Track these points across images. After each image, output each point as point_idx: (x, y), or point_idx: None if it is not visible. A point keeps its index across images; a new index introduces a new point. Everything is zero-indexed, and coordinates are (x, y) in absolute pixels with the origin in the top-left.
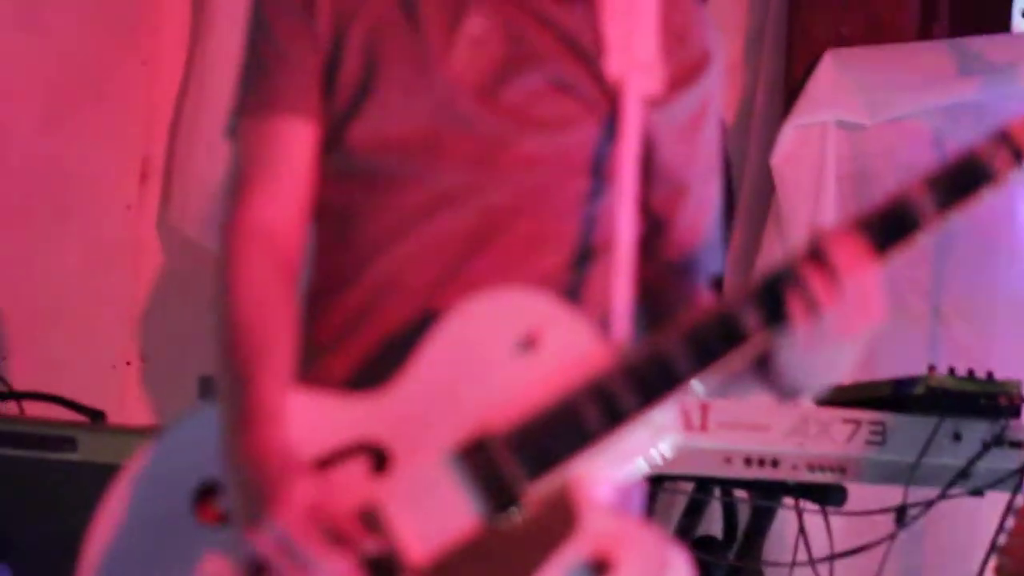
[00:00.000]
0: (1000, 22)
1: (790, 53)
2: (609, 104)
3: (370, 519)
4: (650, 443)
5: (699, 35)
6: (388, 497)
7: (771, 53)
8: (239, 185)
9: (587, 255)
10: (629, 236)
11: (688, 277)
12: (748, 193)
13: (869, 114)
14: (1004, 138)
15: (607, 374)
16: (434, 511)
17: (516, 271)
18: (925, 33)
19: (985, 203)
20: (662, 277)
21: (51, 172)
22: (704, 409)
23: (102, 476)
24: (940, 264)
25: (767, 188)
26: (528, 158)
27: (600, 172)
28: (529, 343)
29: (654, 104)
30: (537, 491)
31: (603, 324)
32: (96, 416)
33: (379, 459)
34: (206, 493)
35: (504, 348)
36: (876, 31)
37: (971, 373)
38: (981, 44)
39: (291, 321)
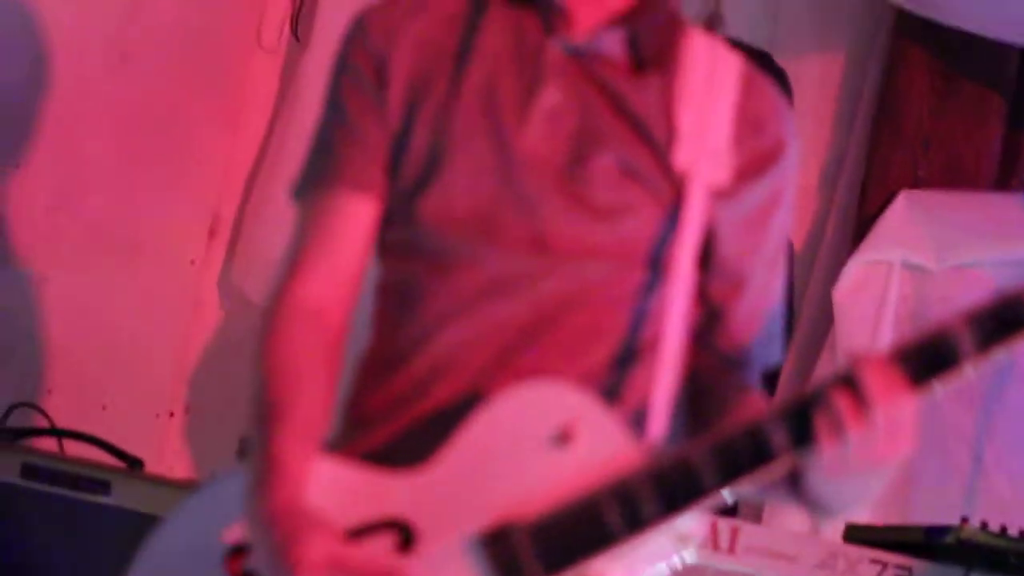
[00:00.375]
0: None
1: (865, 187)
2: (674, 193)
3: None
4: (671, 550)
5: (776, 124)
6: (409, 575)
7: (847, 184)
8: (294, 258)
9: (634, 351)
10: (678, 334)
11: (740, 370)
12: (807, 321)
13: (936, 258)
14: None
15: (633, 477)
16: None
17: (563, 365)
18: (1003, 183)
19: None
20: (714, 367)
21: (123, 214)
22: (734, 532)
23: (133, 523)
24: (987, 414)
25: (826, 319)
26: (586, 246)
27: (657, 264)
28: (563, 438)
29: (720, 195)
30: None
31: (640, 422)
32: (134, 463)
33: (406, 536)
34: (237, 552)
35: (539, 441)
36: (954, 174)
37: (1004, 529)
38: None
39: (324, 390)
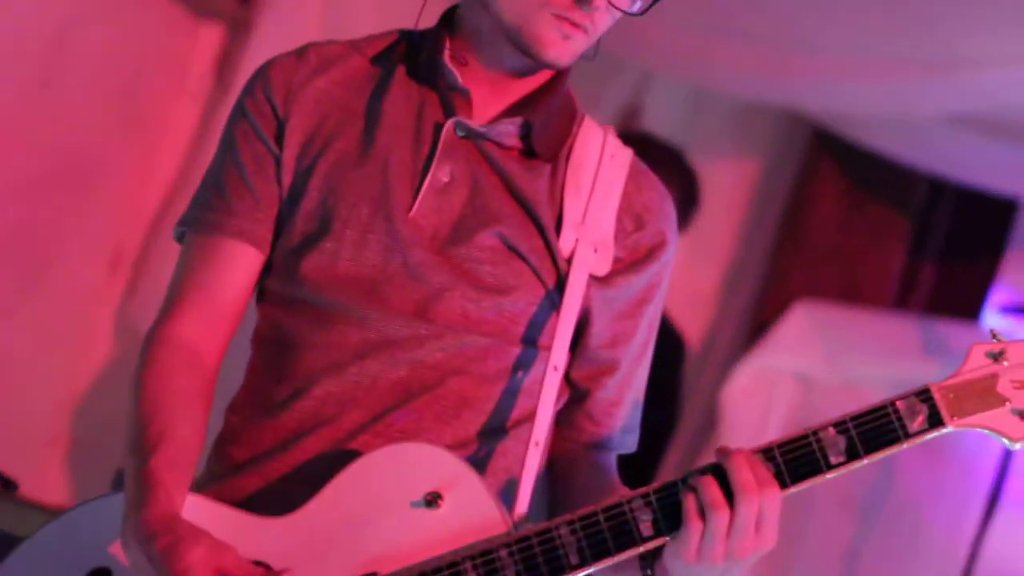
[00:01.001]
0: (972, 309)
1: (764, 293)
2: (556, 276)
3: None
4: None
5: (659, 221)
6: None
7: (746, 289)
8: (173, 296)
9: (505, 423)
10: (549, 412)
11: (600, 454)
12: (692, 421)
13: (827, 371)
14: (926, 398)
15: (496, 545)
16: None
17: (436, 430)
18: (902, 301)
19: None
20: (574, 451)
21: (27, 237)
22: None
23: (3, 544)
24: (866, 522)
25: (711, 421)
26: (469, 319)
27: (535, 343)
28: (431, 500)
29: (599, 282)
30: None
31: (508, 493)
32: (8, 484)
33: None
34: None
35: (408, 500)
36: (853, 290)
37: None
38: (947, 329)
39: (194, 415)
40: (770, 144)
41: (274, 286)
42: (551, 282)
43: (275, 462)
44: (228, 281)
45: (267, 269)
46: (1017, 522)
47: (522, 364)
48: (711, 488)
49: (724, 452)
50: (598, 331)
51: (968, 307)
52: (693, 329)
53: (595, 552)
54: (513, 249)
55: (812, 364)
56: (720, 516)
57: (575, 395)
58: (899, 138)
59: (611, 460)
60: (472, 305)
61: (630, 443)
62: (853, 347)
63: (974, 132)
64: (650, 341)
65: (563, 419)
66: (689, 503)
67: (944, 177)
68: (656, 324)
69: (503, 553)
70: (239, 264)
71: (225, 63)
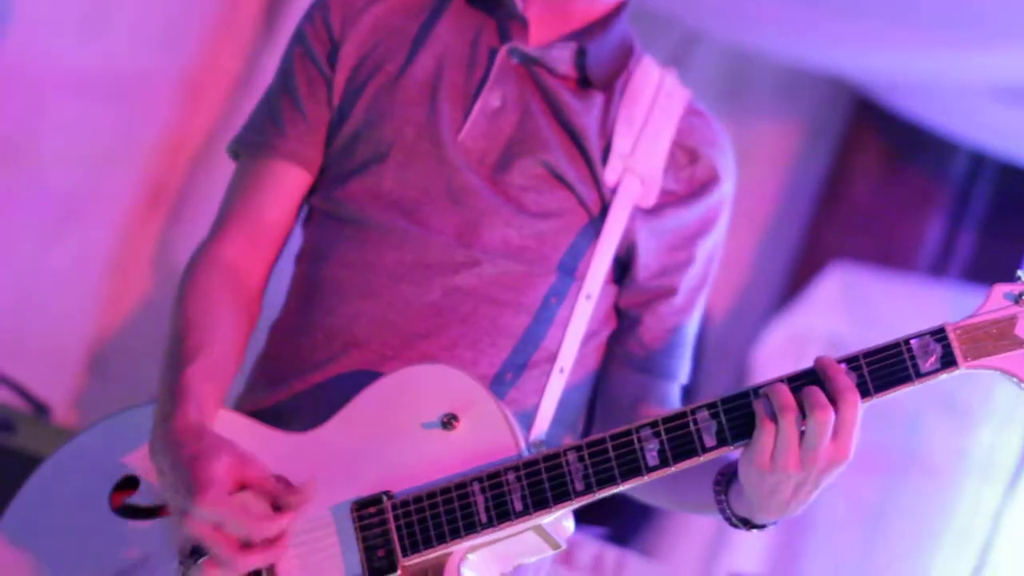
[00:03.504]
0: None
1: (799, 257)
2: (600, 206)
3: None
4: (533, 551)
5: (712, 157)
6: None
7: (782, 252)
8: (222, 217)
9: (536, 353)
10: (578, 339)
11: (652, 378)
12: (721, 380)
13: (859, 335)
14: (941, 338)
15: (504, 468)
16: (318, 557)
17: (466, 358)
18: (938, 270)
19: None
20: (624, 375)
21: (72, 169)
22: (620, 561)
23: (31, 466)
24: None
25: (741, 381)
26: (508, 244)
27: (572, 271)
28: (447, 421)
29: (647, 214)
30: (414, 562)
31: (527, 420)
32: (41, 409)
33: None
34: (126, 485)
35: (425, 421)
36: (889, 257)
37: None
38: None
39: (235, 332)
40: (812, 109)
41: (318, 206)
42: (595, 211)
43: (307, 381)
44: (274, 202)
45: (313, 190)
46: None
47: (557, 292)
48: (783, 393)
49: (818, 360)
50: (645, 263)
51: (1005, 278)
52: (726, 289)
53: (600, 480)
54: (558, 177)
55: (844, 327)
56: (791, 419)
57: (625, 323)
58: (941, 108)
59: (666, 389)
60: (513, 231)
61: (685, 372)
62: (886, 311)
63: (1017, 104)
64: (708, 275)
65: (613, 349)
66: (761, 407)
67: (985, 148)
68: (716, 261)
69: (510, 476)
70: (286, 186)
71: (273, 1)
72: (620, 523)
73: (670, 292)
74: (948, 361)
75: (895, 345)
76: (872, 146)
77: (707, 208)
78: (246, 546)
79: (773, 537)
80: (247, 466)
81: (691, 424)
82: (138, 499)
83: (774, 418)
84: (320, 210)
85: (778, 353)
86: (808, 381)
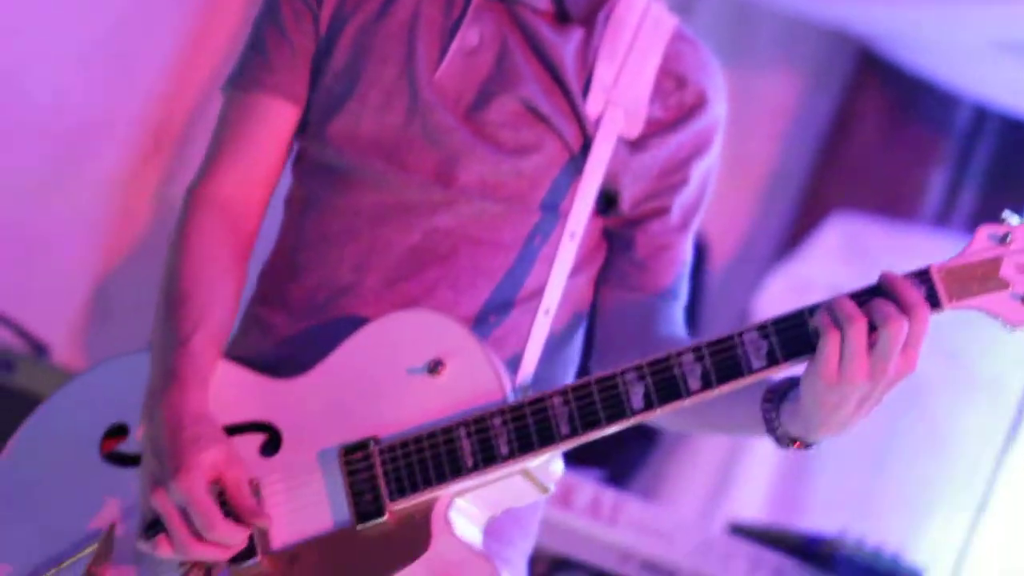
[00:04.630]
0: None
1: (801, 207)
2: (582, 141)
3: (256, 493)
4: (522, 496)
5: (700, 80)
6: (267, 478)
7: (783, 202)
8: (212, 154)
9: (520, 294)
10: (562, 279)
11: (652, 299)
12: (721, 328)
13: (860, 284)
14: (925, 279)
15: (489, 412)
16: (304, 502)
17: (448, 298)
18: (939, 222)
19: None
20: (622, 299)
21: (69, 104)
22: (618, 504)
23: (34, 407)
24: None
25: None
26: (485, 183)
27: (555, 208)
28: (433, 367)
29: (632, 146)
30: (401, 506)
31: (513, 364)
32: (40, 348)
33: (273, 440)
34: (116, 432)
35: (411, 366)
36: (891, 209)
37: (878, 548)
38: None
39: (234, 291)
40: (815, 61)
41: (304, 148)
42: (576, 146)
43: (294, 326)
44: (264, 137)
45: (301, 130)
46: None
47: (540, 231)
48: (848, 304)
49: (885, 274)
50: (632, 194)
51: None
52: (727, 237)
53: (585, 423)
54: (535, 111)
55: (845, 278)
56: (860, 327)
57: (617, 244)
58: (944, 61)
59: (671, 308)
60: (489, 169)
61: (684, 295)
62: (887, 261)
63: (1020, 57)
64: (702, 198)
65: (606, 276)
66: (825, 318)
67: (988, 102)
68: (709, 185)
69: (496, 421)
70: (274, 119)
71: None
72: (618, 465)
73: (663, 211)
74: (933, 302)
75: (878, 286)
76: (875, 98)
77: (698, 130)
78: (199, 538)
79: (774, 482)
80: (230, 466)
81: (738, 347)
82: (126, 447)
83: (840, 328)
84: (305, 154)
85: (779, 303)
86: (869, 296)
